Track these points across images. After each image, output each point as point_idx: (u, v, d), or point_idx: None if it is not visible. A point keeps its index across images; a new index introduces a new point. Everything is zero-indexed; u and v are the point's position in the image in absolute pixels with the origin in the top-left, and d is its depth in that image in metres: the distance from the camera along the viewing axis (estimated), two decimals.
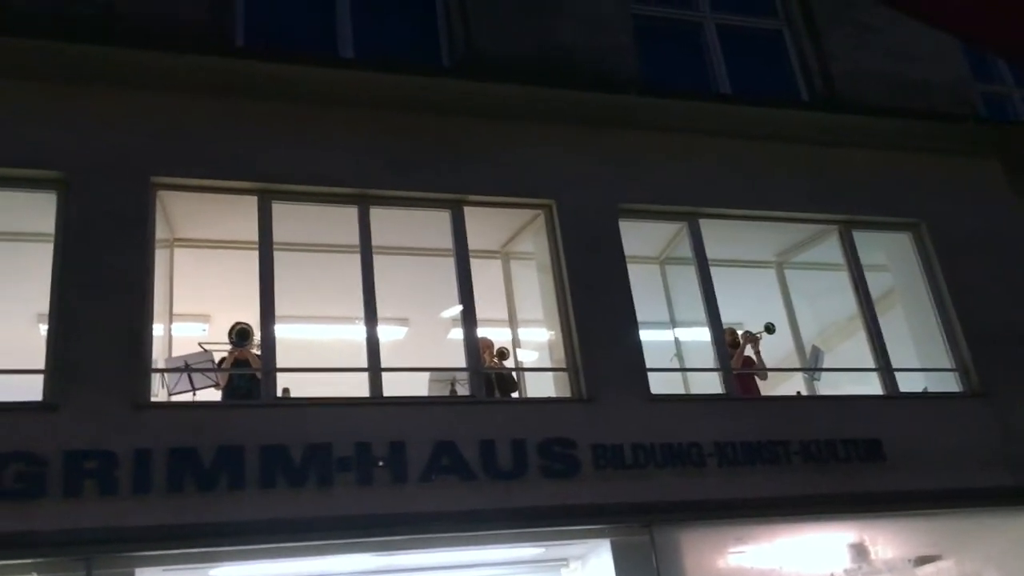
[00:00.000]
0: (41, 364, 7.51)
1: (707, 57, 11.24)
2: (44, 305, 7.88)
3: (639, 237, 9.71)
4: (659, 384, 8.92)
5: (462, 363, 8.68)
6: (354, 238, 8.73)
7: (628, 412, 8.48)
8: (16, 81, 8.10)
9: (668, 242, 10.36)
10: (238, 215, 8.62)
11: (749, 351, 10.24)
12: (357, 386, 8.27)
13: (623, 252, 9.23)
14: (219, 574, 7.62)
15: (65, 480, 6.96)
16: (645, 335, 9.06)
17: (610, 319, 8.87)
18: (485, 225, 9.44)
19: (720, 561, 8.52)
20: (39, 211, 8.02)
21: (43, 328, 8.59)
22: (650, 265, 10.51)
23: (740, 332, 10.38)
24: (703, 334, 9.55)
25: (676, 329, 10.53)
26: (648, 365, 8.86)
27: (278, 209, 8.56)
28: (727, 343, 9.66)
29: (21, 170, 8.00)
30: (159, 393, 8.17)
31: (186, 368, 8.44)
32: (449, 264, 9.10)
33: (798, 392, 10.21)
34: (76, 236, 7.82)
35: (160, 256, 8.37)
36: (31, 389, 7.41)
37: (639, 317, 9.02)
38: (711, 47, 11.29)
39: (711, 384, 9.39)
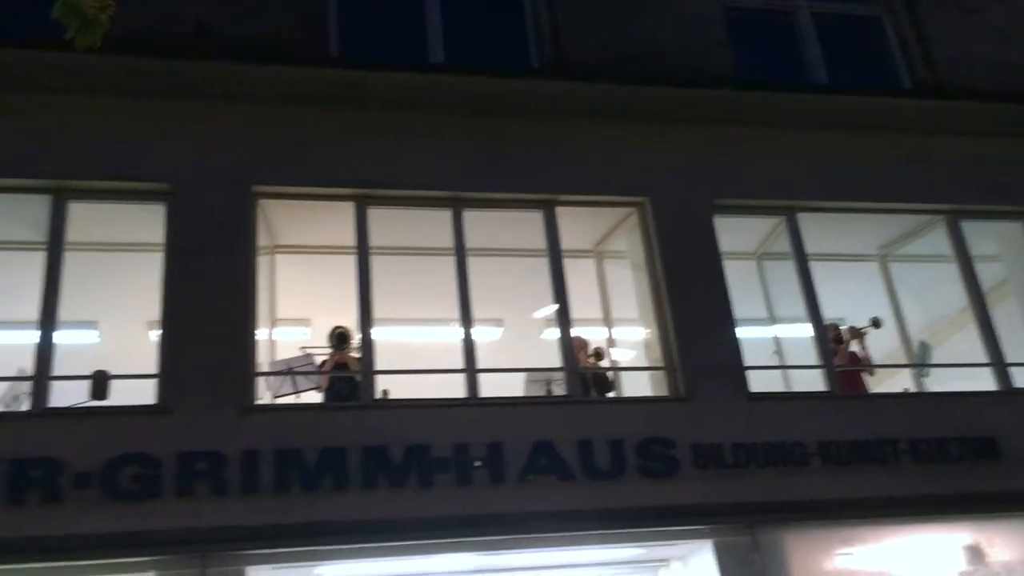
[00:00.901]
0: (151, 368, 7.81)
1: (803, 48, 10.96)
2: (154, 312, 8.20)
3: (735, 233, 9.54)
4: (758, 382, 8.75)
5: (558, 363, 8.68)
6: (449, 240, 8.83)
7: (727, 411, 8.35)
8: (121, 99, 8.43)
9: (765, 237, 10.15)
10: (336, 221, 8.80)
11: (855, 346, 9.95)
12: (454, 387, 8.36)
13: (719, 249, 9.09)
14: (324, 572, 7.79)
15: (178, 481, 7.23)
16: (743, 332, 8.90)
17: (707, 316, 8.76)
18: (578, 224, 9.43)
19: (826, 563, 8.28)
20: (148, 222, 8.35)
21: (153, 334, 8.95)
22: (747, 261, 10.31)
23: (844, 327, 10.09)
24: (803, 330, 9.32)
25: (775, 326, 10.29)
26: (747, 363, 8.70)
27: (374, 214, 8.73)
28: (831, 339, 9.40)
29: (131, 183, 8.35)
30: (264, 396, 8.39)
31: (289, 371, 8.67)
32: (542, 264, 9.11)
33: (905, 389, 9.86)
34: (183, 245, 8.13)
35: (262, 263, 8.62)
36: (144, 393, 7.72)
37: (736, 314, 8.87)
38: (806, 37, 11.00)
39: (813, 382, 9.15)
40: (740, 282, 9.37)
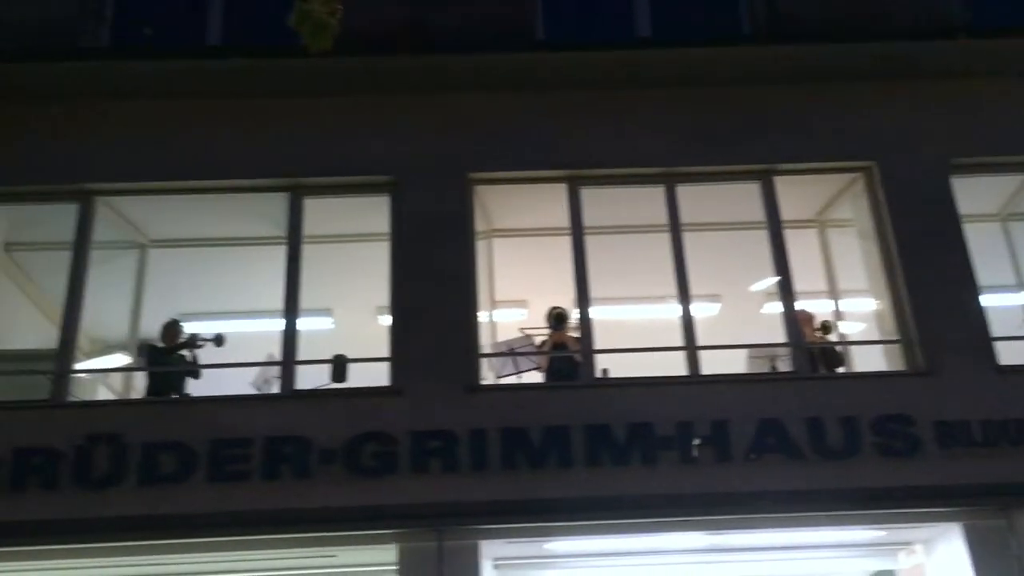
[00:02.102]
0: (381, 352, 8.22)
1: None
2: (382, 298, 8.64)
3: (975, 194, 8.83)
4: (1008, 354, 8.06)
5: (782, 338, 8.40)
6: (662, 217, 8.72)
7: (973, 385, 7.80)
8: (344, 98, 8.91)
9: (1010, 197, 9.33)
10: (549, 203, 8.91)
11: None
12: (673, 365, 8.27)
13: (957, 211, 8.46)
14: (554, 547, 7.94)
15: (413, 458, 7.59)
16: (988, 300, 8.23)
17: (946, 285, 8.18)
18: (798, 194, 9.04)
19: None
20: (373, 213, 8.78)
21: (382, 319, 9.43)
22: (990, 223, 9.52)
23: None
24: None
25: None
26: (994, 333, 8.04)
27: (587, 194, 8.76)
28: None
29: (356, 177, 8.81)
30: (487, 377, 8.64)
31: (511, 352, 8.87)
32: (759, 237, 8.85)
33: None
34: (407, 234, 8.50)
35: (480, 247, 8.86)
36: (377, 376, 8.14)
37: (980, 281, 8.22)
38: None
39: None
40: (983, 246, 8.67)
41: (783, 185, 8.78)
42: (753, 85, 8.98)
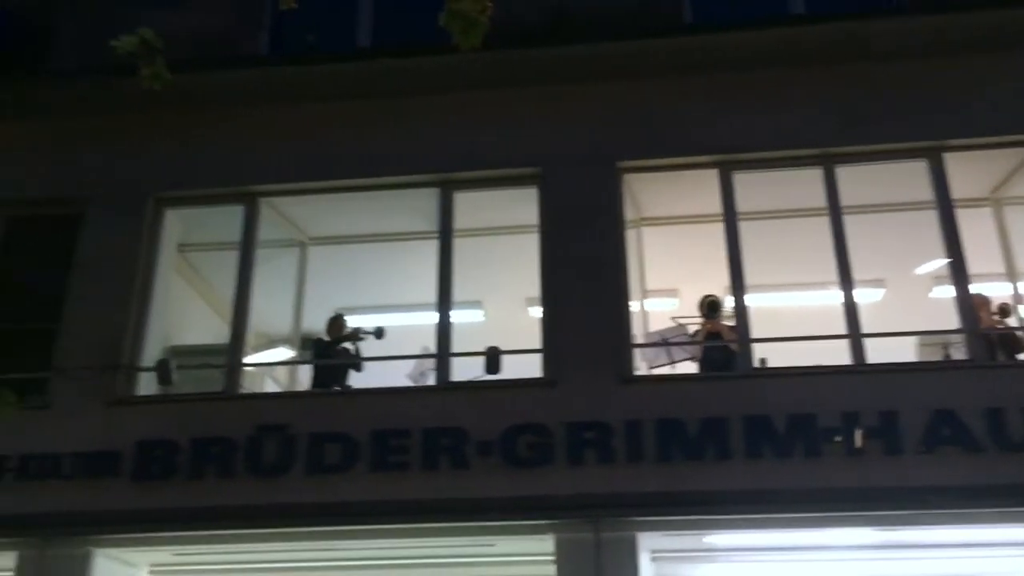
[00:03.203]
0: (531, 343, 8.25)
1: None
2: (532, 290, 8.66)
3: None
4: None
5: (954, 323, 7.93)
6: (819, 200, 8.39)
7: None
8: (490, 92, 8.98)
9: None
10: (700, 189, 8.71)
11: None
12: (835, 353, 7.95)
13: None
14: (713, 541, 7.79)
15: (568, 449, 7.59)
16: None
17: None
18: (969, 171, 8.52)
19: None
20: (522, 204, 8.81)
21: (531, 311, 9.48)
22: None
23: None
24: None
25: None
26: None
27: (739, 179, 8.52)
28: None
29: (504, 170, 8.86)
30: (640, 367, 8.54)
31: (664, 342, 8.74)
32: (924, 217, 8.42)
33: None
34: (556, 225, 8.50)
35: (629, 236, 8.75)
36: (529, 367, 8.18)
37: None
38: None
39: None
40: None
41: (953, 162, 8.28)
42: (915, 58, 8.51)
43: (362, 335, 9.02)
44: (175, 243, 9.41)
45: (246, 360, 8.94)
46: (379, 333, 8.98)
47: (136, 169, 9.12)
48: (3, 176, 9.21)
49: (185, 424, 8.03)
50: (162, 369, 8.35)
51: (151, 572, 8.45)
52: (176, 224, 9.31)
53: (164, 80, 4.93)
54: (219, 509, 7.66)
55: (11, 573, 7.75)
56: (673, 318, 9.33)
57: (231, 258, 8.96)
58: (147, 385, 8.57)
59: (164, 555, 8.30)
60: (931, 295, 9.71)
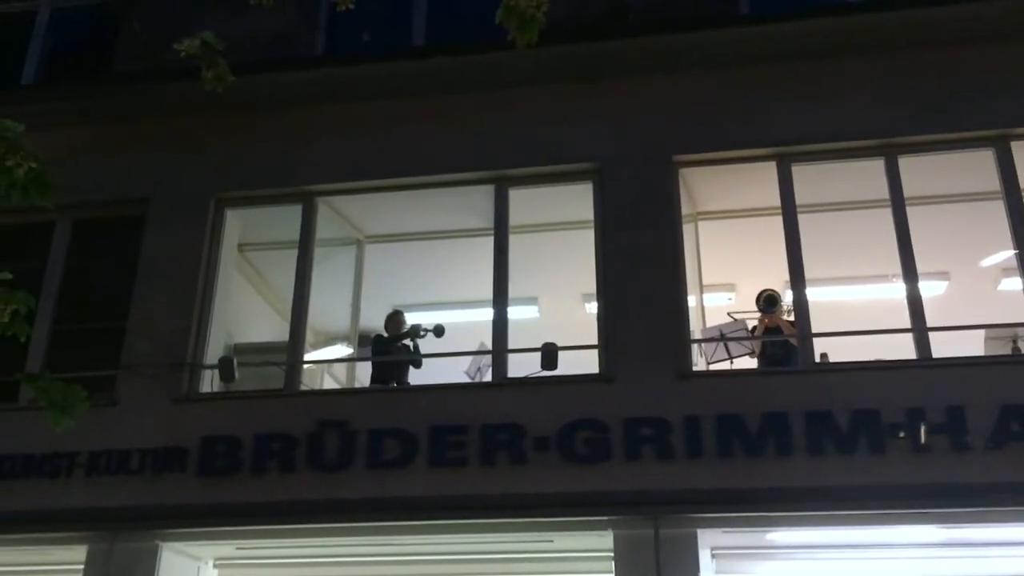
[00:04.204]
0: (587, 338, 8.23)
1: None
2: (587, 285, 8.66)
3: None
4: None
5: (1023, 316, 7.71)
6: (882, 192, 8.24)
7: None
8: (542, 86, 8.96)
9: None
10: (757, 182, 8.62)
11: None
12: (898, 348, 7.80)
13: None
14: (776, 538, 7.70)
15: (626, 445, 7.56)
16: None
17: None
18: None
19: None
20: (577, 200, 8.79)
21: (587, 306, 9.46)
22: None
23: None
24: None
25: None
26: None
27: (798, 171, 8.40)
28: None
29: (559, 166, 8.84)
30: (698, 363, 8.47)
31: (722, 337, 8.65)
32: (990, 208, 8.22)
33: None
34: (612, 220, 8.45)
35: (686, 231, 8.69)
36: (586, 363, 8.16)
37: None
38: None
39: None
40: None
41: (1020, 150, 8.06)
42: (979, 44, 8.28)
43: (422, 332, 9.08)
44: (236, 243, 9.56)
45: (306, 357, 9.06)
46: (439, 331, 9.03)
47: (197, 170, 9.28)
48: (68, 179, 9.32)
49: (247, 421, 8.17)
50: (225, 367, 8.50)
51: (216, 565, 8.61)
52: (236, 224, 9.46)
53: (226, 82, 5.02)
54: (281, 504, 7.77)
55: (81, 566, 7.96)
56: (729, 313, 9.24)
57: (290, 257, 9.08)
58: (210, 383, 8.75)
59: (228, 549, 8.45)
60: (999, 287, 9.47)
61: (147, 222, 9.21)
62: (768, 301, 8.80)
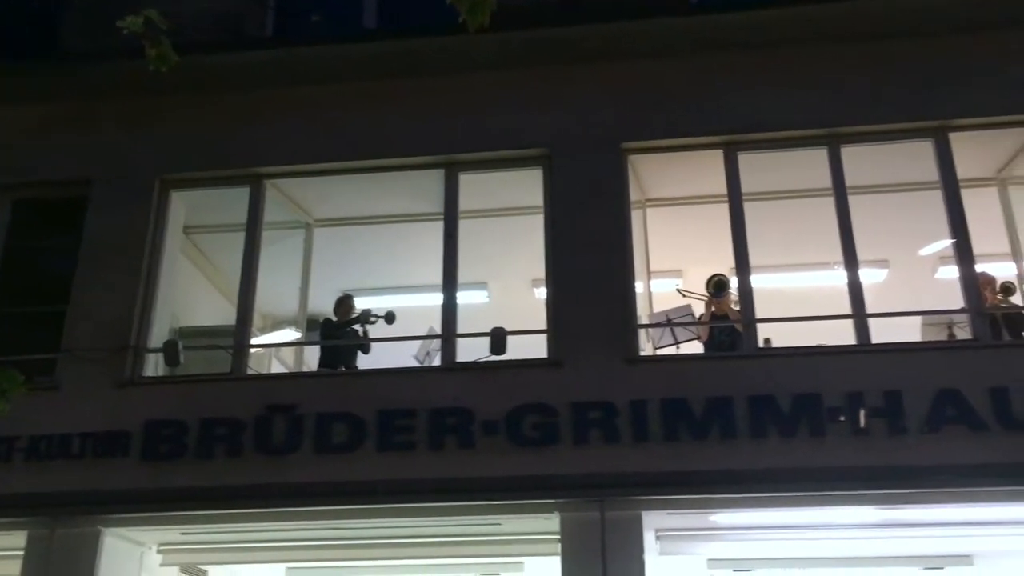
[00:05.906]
0: (536, 324, 8.28)
1: None
2: (537, 271, 8.70)
3: None
4: None
5: (959, 303, 7.94)
6: (825, 181, 8.39)
7: None
8: (494, 71, 8.98)
9: None
10: (704, 170, 8.71)
11: None
12: (839, 334, 7.97)
13: None
14: (719, 519, 7.84)
15: (574, 429, 7.63)
16: None
17: None
18: (974, 151, 8.51)
19: None
20: (527, 186, 8.82)
21: (536, 291, 9.50)
22: None
23: None
24: None
25: None
26: None
27: (744, 159, 8.52)
28: None
29: (510, 152, 8.86)
30: (645, 348, 8.57)
31: (669, 323, 8.75)
32: (928, 198, 8.42)
33: None
34: (561, 206, 8.49)
35: (635, 217, 8.76)
36: (534, 348, 8.21)
37: None
38: None
39: None
40: None
41: (958, 142, 8.27)
42: (921, 37, 8.48)
43: (372, 319, 9.04)
44: (181, 225, 9.43)
45: (253, 341, 8.98)
46: (390, 318, 9.00)
47: (142, 151, 9.13)
48: (9, 159, 9.22)
49: (193, 405, 8.08)
50: (170, 350, 8.39)
51: (160, 551, 8.52)
52: (182, 206, 9.32)
53: (170, 61, 4.93)
54: (227, 488, 7.71)
55: (21, 552, 7.83)
56: (678, 289, 9.35)
57: (238, 240, 8.98)
58: (155, 366, 8.63)
59: (173, 534, 8.37)
60: (936, 275, 9.72)
61: (90, 203, 9.04)
62: (718, 286, 8.91)
